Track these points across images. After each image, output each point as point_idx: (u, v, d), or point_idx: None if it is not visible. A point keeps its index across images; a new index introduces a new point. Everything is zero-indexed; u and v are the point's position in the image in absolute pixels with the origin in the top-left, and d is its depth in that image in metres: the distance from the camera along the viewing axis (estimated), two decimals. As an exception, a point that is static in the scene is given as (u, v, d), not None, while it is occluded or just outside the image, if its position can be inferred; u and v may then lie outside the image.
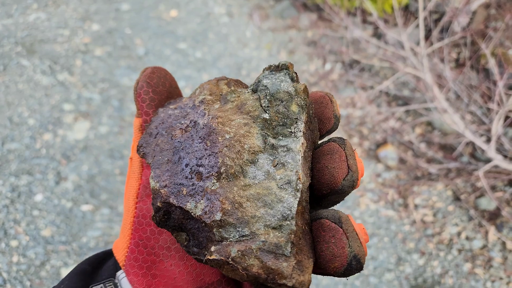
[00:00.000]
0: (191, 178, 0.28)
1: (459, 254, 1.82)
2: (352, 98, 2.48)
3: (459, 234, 1.88)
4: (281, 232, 0.25)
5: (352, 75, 2.54)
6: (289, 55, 2.83)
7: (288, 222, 0.25)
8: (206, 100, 0.32)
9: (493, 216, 1.89)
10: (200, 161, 0.28)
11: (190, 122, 0.31)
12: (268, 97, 0.30)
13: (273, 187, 0.27)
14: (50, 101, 2.33)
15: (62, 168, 2.00)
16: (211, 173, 0.27)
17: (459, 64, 2.49)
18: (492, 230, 1.84)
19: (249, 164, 0.28)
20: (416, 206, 1.99)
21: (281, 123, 0.29)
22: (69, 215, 1.84)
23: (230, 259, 0.25)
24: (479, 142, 1.75)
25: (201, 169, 0.28)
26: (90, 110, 2.30)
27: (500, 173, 1.93)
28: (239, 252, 0.24)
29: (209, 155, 0.28)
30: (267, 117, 0.29)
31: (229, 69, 2.73)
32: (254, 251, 0.24)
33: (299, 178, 0.27)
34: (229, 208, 0.26)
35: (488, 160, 1.96)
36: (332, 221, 0.26)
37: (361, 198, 2.07)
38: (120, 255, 0.33)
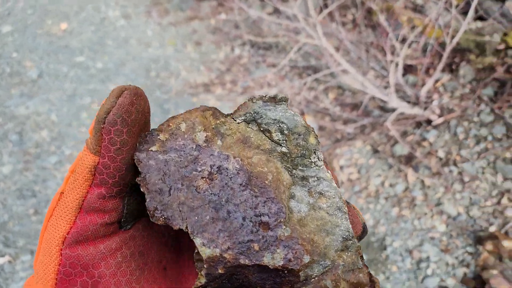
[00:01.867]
0: (257, 231, 0.26)
1: (386, 202, 1.95)
2: (265, 77, 2.50)
3: (383, 183, 2.01)
4: (350, 251, 0.28)
5: (261, 56, 2.56)
6: (195, 47, 2.77)
7: (351, 241, 0.28)
8: (209, 138, 0.29)
9: (409, 160, 2.04)
10: (257, 210, 0.27)
11: (212, 168, 0.28)
12: (284, 132, 0.30)
13: (325, 216, 0.28)
14: None
15: (-35, 223, 1.79)
16: (279, 220, 0.27)
17: (355, 25, 2.61)
18: (410, 172, 1.99)
19: (290, 200, 0.28)
20: (341, 168, 2.08)
21: (299, 155, 0.30)
22: (-15, 271, 1.66)
23: None
24: (380, 94, 1.86)
25: (264, 218, 0.27)
26: (-14, 151, 2.07)
27: (407, 119, 2.07)
28: (333, 282, 0.27)
29: (265, 201, 0.27)
30: (285, 150, 0.30)
31: (135, 74, 2.60)
32: (342, 275, 0.27)
33: (344, 202, 0.29)
34: (310, 248, 0.27)
35: (394, 110, 2.10)
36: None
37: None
38: None
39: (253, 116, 0.30)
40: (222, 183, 0.27)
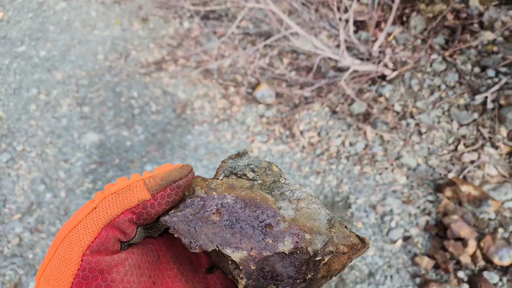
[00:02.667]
0: (266, 231, 0.34)
1: (348, 161, 1.95)
2: (218, 48, 2.41)
3: (343, 143, 2.01)
4: (335, 226, 0.36)
5: (211, 27, 2.46)
6: (143, 23, 2.63)
7: (333, 219, 0.36)
8: (207, 191, 0.37)
9: (367, 117, 2.03)
10: (259, 218, 0.35)
11: (217, 206, 0.36)
12: (254, 170, 0.39)
13: (307, 211, 0.37)
14: None
15: None
16: (277, 219, 0.35)
17: (306, -15, 2.52)
18: (368, 129, 1.99)
19: (279, 210, 0.36)
20: (301, 132, 2.06)
21: (271, 181, 0.39)
22: None
23: (336, 254, 0.34)
24: (331, 54, 1.82)
25: (267, 221, 0.35)
26: None
27: (361, 76, 2.05)
28: (334, 247, 0.34)
29: (262, 211, 0.35)
30: (261, 182, 0.39)
31: (83, 59, 2.47)
32: (338, 242, 0.34)
33: (315, 197, 0.38)
34: (307, 229, 0.35)
35: (348, 69, 2.07)
36: None
37: (253, 143, 2.09)
38: None
39: (229, 170, 0.40)
40: (228, 212, 0.36)
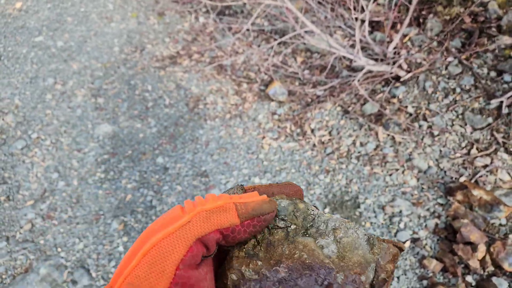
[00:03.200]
0: None
1: (358, 161, 1.95)
2: (232, 45, 2.42)
3: (354, 143, 2.00)
4: (375, 244, 0.36)
5: (226, 22, 2.47)
6: (159, 18, 2.66)
7: (372, 238, 0.36)
8: (255, 273, 0.36)
9: (379, 117, 2.03)
10: (319, 281, 0.35)
11: (275, 285, 0.35)
12: (284, 219, 0.38)
13: (346, 240, 0.36)
14: None
15: None
16: (332, 273, 0.35)
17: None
18: (380, 130, 1.98)
19: (323, 250, 0.36)
20: (312, 131, 2.07)
21: (302, 220, 0.38)
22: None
23: (387, 278, 0.35)
24: (346, 53, 1.82)
25: (326, 282, 0.35)
26: None
27: (375, 77, 2.05)
28: (383, 270, 0.35)
29: (318, 274, 0.35)
30: (294, 227, 0.37)
31: (98, 51, 2.50)
32: (383, 263, 0.35)
33: (347, 221, 0.38)
34: (359, 269, 0.35)
35: (362, 69, 2.06)
36: None
37: (263, 140, 2.10)
38: None
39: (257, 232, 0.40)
40: (288, 286, 0.35)
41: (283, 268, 0.35)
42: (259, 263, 0.36)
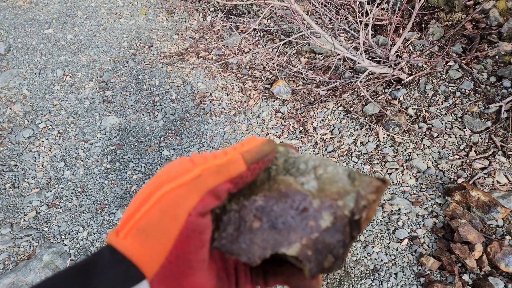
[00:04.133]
0: (304, 215, 0.36)
1: (359, 160, 1.99)
2: (239, 44, 2.47)
3: (355, 142, 2.05)
4: (355, 178, 0.37)
5: (234, 22, 2.52)
6: (168, 16, 2.71)
7: (352, 172, 0.38)
8: (235, 203, 0.38)
9: (380, 118, 2.07)
10: (294, 206, 0.36)
11: (253, 212, 0.37)
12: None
13: (326, 176, 0.38)
14: None
15: None
16: (308, 200, 0.36)
17: (328, -12, 2.58)
18: (381, 130, 2.03)
19: (303, 186, 0.38)
20: (315, 129, 2.11)
21: (283, 161, 0.40)
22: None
23: (368, 206, 0.36)
24: (349, 54, 1.87)
25: (301, 206, 0.36)
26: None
27: (377, 78, 2.10)
28: (365, 200, 0.36)
29: (293, 200, 0.36)
30: (274, 167, 0.39)
31: (107, 45, 2.55)
32: (366, 193, 0.36)
33: (327, 159, 0.39)
34: (337, 196, 0.36)
35: (365, 71, 2.11)
36: None
37: (267, 136, 2.14)
38: (147, 266, 0.30)
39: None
40: (265, 214, 0.37)
41: (260, 197, 0.37)
42: (241, 198, 0.38)
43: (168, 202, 0.31)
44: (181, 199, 0.32)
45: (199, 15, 2.69)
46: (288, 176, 0.38)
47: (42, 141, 2.20)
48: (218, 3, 2.39)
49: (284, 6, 1.98)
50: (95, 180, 2.04)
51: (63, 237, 1.88)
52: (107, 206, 1.96)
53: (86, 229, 1.90)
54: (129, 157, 2.12)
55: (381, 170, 1.94)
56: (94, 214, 1.94)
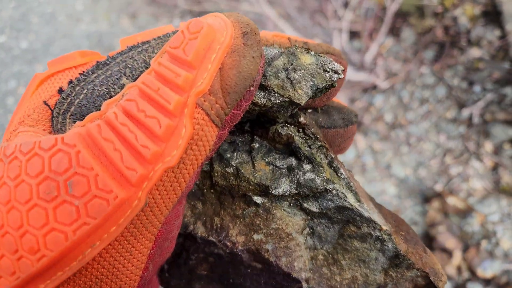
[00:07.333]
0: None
1: (338, 170, 1.95)
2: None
3: (333, 151, 2.01)
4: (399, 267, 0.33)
5: (203, 27, 2.42)
6: (132, 20, 2.56)
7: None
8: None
9: (358, 126, 2.04)
10: None
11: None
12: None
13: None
14: None
15: None
16: None
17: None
18: (360, 138, 2.00)
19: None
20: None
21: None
22: None
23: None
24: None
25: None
26: None
27: (353, 86, 2.07)
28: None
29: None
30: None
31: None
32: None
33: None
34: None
35: (341, 77, 2.08)
36: None
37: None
38: None
39: None
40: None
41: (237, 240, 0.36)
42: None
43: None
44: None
45: (165, 19, 2.57)
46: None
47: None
48: (185, 8, 2.28)
49: (256, 11, 1.91)
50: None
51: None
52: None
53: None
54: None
55: (361, 179, 1.91)
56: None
